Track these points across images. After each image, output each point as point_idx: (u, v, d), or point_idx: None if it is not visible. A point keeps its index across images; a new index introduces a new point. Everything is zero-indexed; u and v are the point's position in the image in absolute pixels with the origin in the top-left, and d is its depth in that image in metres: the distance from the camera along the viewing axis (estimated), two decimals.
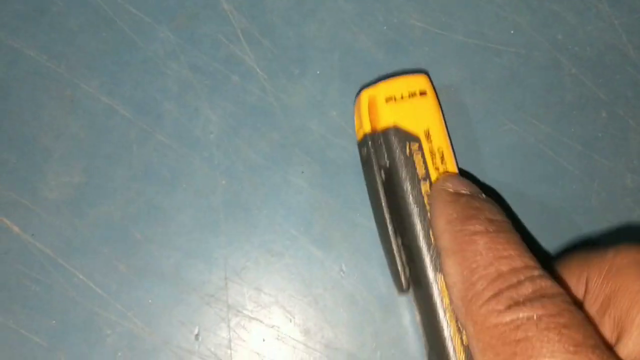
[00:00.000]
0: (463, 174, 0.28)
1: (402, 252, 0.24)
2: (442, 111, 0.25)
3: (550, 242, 0.28)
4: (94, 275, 0.27)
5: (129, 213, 0.27)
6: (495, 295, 0.17)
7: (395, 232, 0.24)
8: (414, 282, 0.23)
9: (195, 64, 0.29)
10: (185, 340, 0.26)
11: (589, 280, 0.19)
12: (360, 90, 0.27)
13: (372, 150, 0.24)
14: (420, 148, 0.24)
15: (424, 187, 0.23)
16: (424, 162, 0.23)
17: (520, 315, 0.16)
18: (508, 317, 0.16)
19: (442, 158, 0.24)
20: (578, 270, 0.20)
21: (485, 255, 0.18)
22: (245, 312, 0.27)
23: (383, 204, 0.24)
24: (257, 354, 0.27)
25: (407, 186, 0.23)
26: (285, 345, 0.27)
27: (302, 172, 0.28)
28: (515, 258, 0.18)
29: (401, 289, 0.24)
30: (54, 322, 0.26)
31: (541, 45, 0.30)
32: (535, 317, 0.16)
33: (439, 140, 0.24)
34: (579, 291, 0.20)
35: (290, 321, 0.27)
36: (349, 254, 0.27)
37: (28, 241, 0.27)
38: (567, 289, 0.20)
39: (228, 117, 0.28)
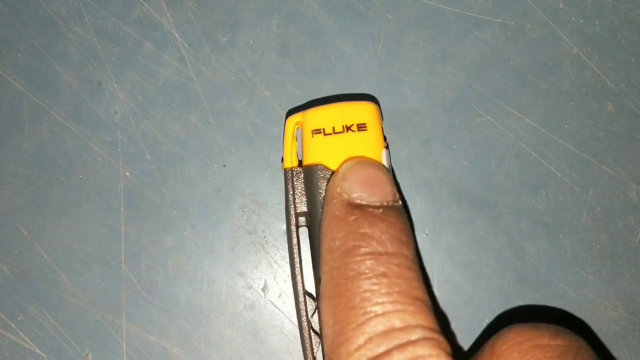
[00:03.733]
0: (417, 173, 0.23)
1: (312, 326, 0.19)
2: (387, 150, 0.19)
3: (521, 270, 0.22)
4: None
5: (16, 205, 0.23)
6: None
7: (305, 295, 0.19)
8: None
9: (103, 27, 0.23)
10: None
11: None
12: (288, 113, 0.23)
13: (290, 189, 0.19)
14: None
15: None
16: None
17: None
18: None
19: None
20: None
21: (359, 309, 0.15)
22: (144, 334, 0.22)
23: (296, 258, 0.19)
24: None
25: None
26: None
27: (224, 166, 0.23)
28: (392, 316, 0.15)
29: None
30: None
31: (536, 15, 0.23)
32: None
33: None
34: None
35: (196, 347, 0.22)
36: (273, 270, 0.23)
37: None
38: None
39: (137, 94, 0.23)
